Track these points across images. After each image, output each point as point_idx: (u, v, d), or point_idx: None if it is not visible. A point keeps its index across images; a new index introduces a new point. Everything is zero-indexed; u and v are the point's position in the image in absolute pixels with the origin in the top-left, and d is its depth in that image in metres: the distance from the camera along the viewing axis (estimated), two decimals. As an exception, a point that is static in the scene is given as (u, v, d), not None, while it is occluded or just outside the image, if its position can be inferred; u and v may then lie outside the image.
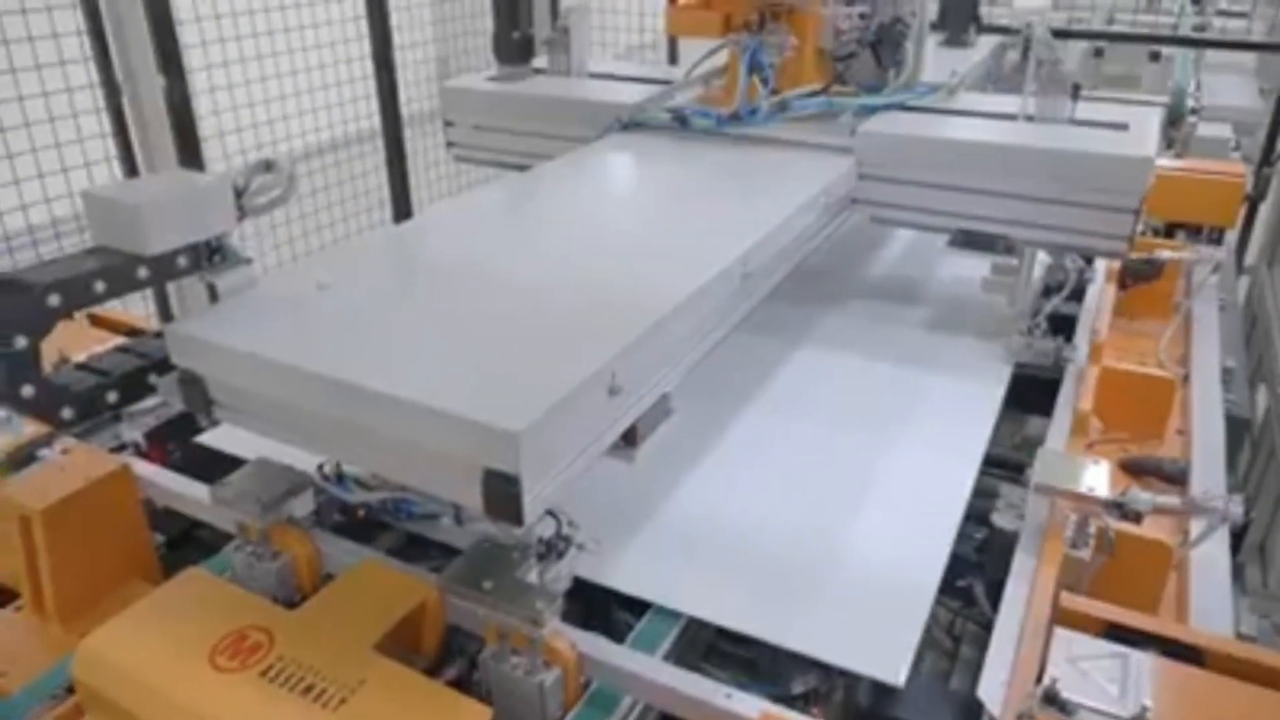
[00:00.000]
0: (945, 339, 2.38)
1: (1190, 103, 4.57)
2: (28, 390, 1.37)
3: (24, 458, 1.84)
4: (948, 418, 2.04)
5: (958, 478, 1.82)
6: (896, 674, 1.39)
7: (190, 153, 3.60)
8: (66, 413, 1.44)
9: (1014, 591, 1.51)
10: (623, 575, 1.60)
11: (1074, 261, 2.40)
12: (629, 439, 1.47)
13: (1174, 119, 4.52)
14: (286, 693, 1.28)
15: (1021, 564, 1.57)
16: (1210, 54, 5.74)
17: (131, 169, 3.63)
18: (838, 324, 2.49)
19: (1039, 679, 1.29)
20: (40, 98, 3.34)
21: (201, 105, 3.82)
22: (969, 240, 2.24)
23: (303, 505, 1.61)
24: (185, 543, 1.88)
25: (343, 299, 1.53)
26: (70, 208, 3.52)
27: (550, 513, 1.47)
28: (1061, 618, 1.41)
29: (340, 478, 1.64)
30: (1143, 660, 1.31)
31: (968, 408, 2.07)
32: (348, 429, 1.32)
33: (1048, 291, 2.40)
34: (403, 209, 4.70)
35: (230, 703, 1.28)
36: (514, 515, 1.20)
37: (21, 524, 1.69)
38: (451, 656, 1.49)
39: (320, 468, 1.63)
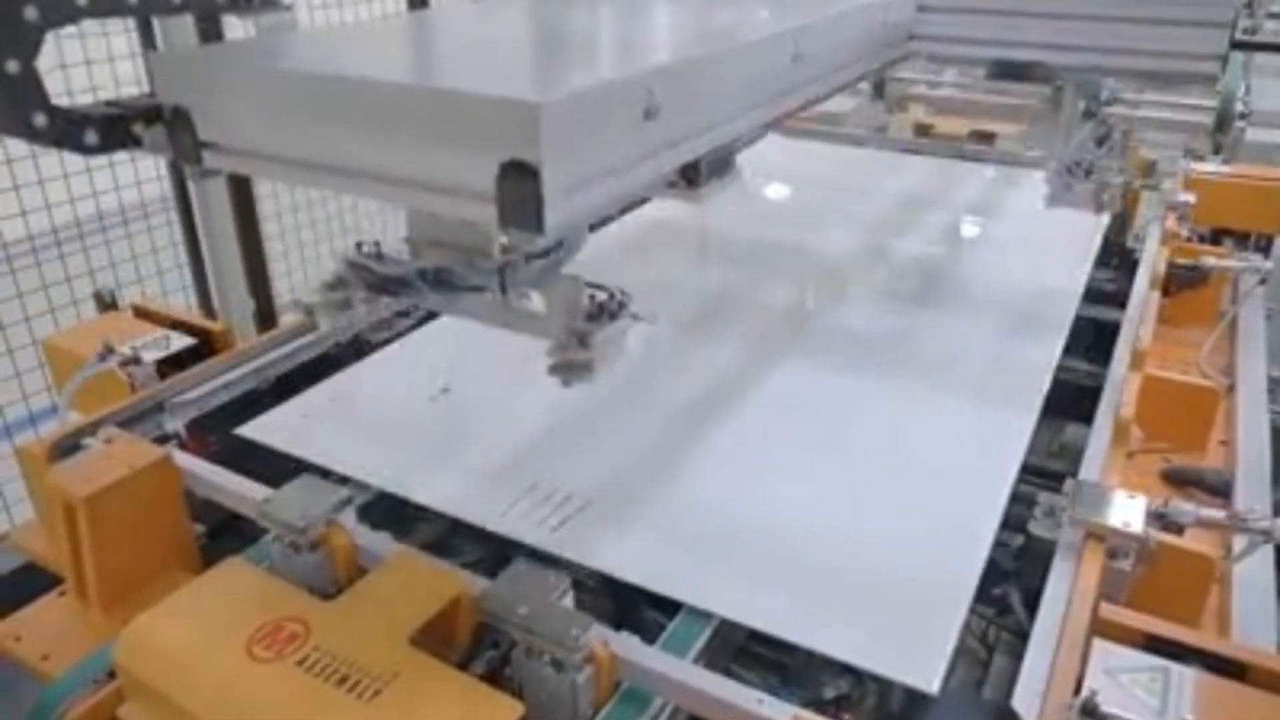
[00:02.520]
0: (983, 345, 2.35)
1: (1239, 107, 4.48)
2: (40, 119, 1.31)
3: (69, 446, 1.87)
4: (985, 423, 2.02)
5: (994, 484, 1.80)
6: (930, 682, 1.37)
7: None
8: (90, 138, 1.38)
9: (1051, 600, 1.49)
10: (654, 573, 1.59)
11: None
12: (690, 180, 1.42)
13: (1222, 123, 4.44)
14: (322, 683, 1.30)
15: (1059, 572, 1.55)
16: (1260, 57, 5.62)
17: (179, 173, 3.67)
18: (873, 326, 2.48)
19: (1076, 690, 1.27)
20: (89, 93, 3.39)
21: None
22: (1005, 71, 2.15)
23: (347, 519, 1.63)
24: (225, 533, 1.90)
25: (345, 38, 1.51)
26: (116, 201, 3.60)
27: (599, 286, 1.42)
28: (1100, 629, 1.39)
29: (379, 256, 1.53)
30: (1184, 674, 1.28)
31: (1005, 413, 2.04)
32: (350, 145, 1.21)
33: (1100, 143, 2.31)
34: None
35: (267, 692, 1.30)
36: (533, 218, 1.06)
37: (66, 511, 1.72)
38: (483, 650, 1.49)
39: (359, 246, 1.54)
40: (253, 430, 2.03)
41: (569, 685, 1.34)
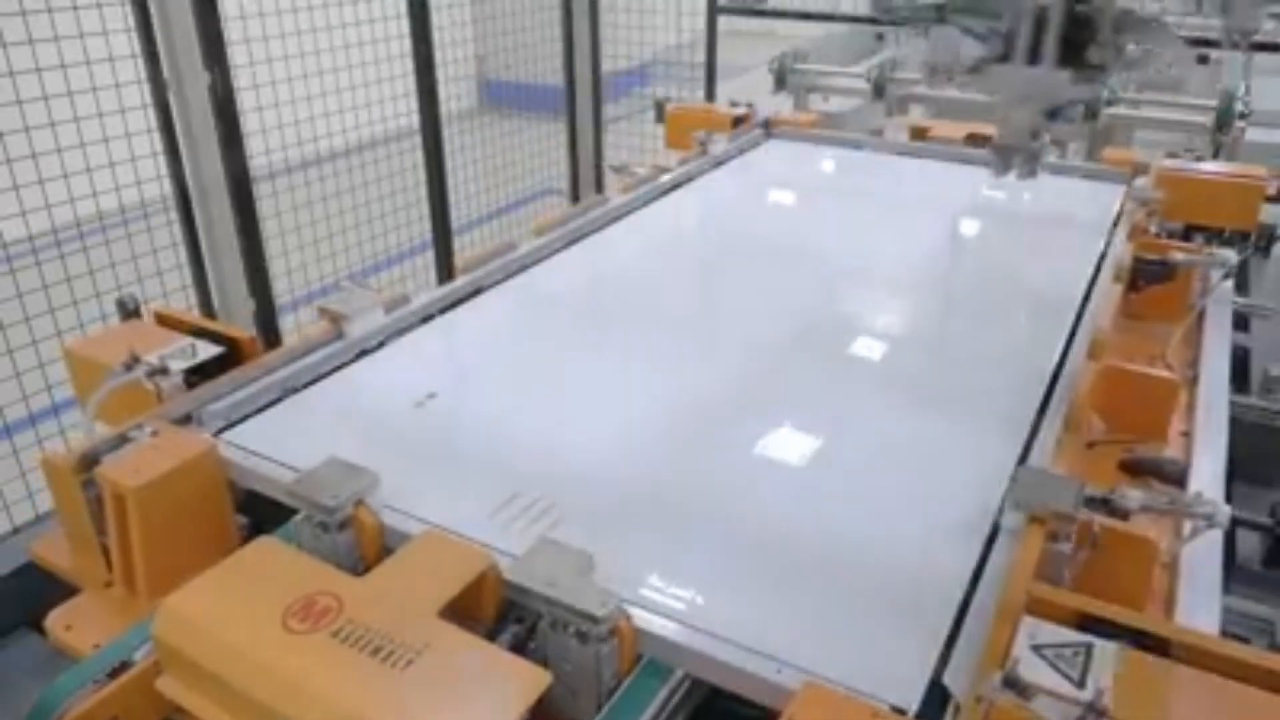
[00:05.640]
0: (981, 345, 2.39)
1: (1239, 107, 4.50)
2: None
3: (117, 440, 1.88)
4: (977, 428, 2.03)
5: (984, 499, 1.76)
6: (909, 702, 1.35)
7: (233, 146, 3.70)
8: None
9: (988, 580, 1.54)
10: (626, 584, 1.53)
11: None
12: None
13: (1222, 124, 4.46)
14: (356, 653, 1.35)
15: (1000, 554, 1.59)
16: (1261, 57, 5.62)
17: (176, 163, 3.75)
18: (865, 331, 2.52)
19: (1004, 666, 1.32)
20: (89, 93, 3.47)
21: (244, 102, 3.94)
22: None
23: (375, 500, 1.69)
24: (269, 524, 1.86)
25: None
26: (116, 201, 3.68)
27: None
28: (1032, 606, 1.43)
29: None
30: (1107, 648, 1.32)
31: (999, 416, 2.04)
32: None
33: None
34: (439, 205, 4.79)
35: (304, 661, 1.35)
36: None
37: (115, 502, 1.76)
38: (508, 624, 1.53)
39: None
40: (232, 438, 2.00)
41: (593, 657, 1.40)
